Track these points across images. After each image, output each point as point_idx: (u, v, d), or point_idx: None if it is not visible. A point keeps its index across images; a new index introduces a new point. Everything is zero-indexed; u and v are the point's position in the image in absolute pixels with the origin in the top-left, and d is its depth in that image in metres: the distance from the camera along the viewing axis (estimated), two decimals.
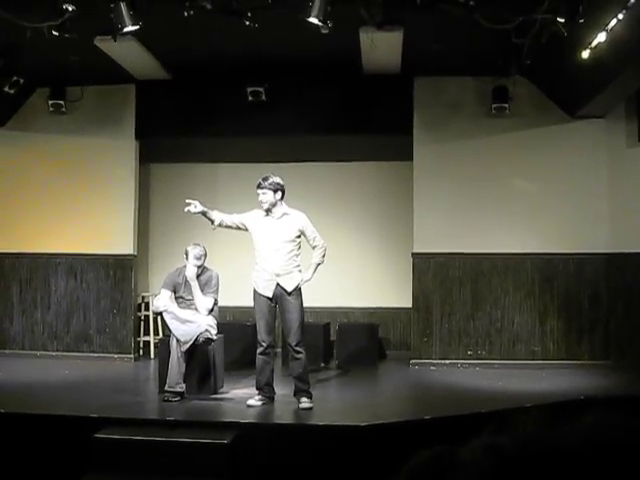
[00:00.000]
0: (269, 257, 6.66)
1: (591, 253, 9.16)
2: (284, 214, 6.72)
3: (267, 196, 6.64)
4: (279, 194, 6.68)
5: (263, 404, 6.68)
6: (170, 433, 5.82)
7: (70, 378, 8.25)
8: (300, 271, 6.74)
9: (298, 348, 6.64)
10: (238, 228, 6.90)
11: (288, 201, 6.84)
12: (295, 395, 6.70)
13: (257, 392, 6.76)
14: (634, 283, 8.82)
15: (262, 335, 6.69)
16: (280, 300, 6.67)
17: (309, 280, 6.78)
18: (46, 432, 5.99)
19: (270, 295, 6.65)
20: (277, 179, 6.71)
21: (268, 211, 6.69)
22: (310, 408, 6.56)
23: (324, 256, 6.84)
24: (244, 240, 7.06)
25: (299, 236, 6.75)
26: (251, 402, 6.66)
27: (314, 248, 6.83)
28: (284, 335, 6.92)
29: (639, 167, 8.81)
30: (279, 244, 6.65)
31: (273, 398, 6.83)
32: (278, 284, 6.63)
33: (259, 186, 6.66)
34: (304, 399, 6.61)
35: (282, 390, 7.00)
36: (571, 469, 0.84)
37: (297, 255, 6.75)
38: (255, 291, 6.75)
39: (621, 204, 8.99)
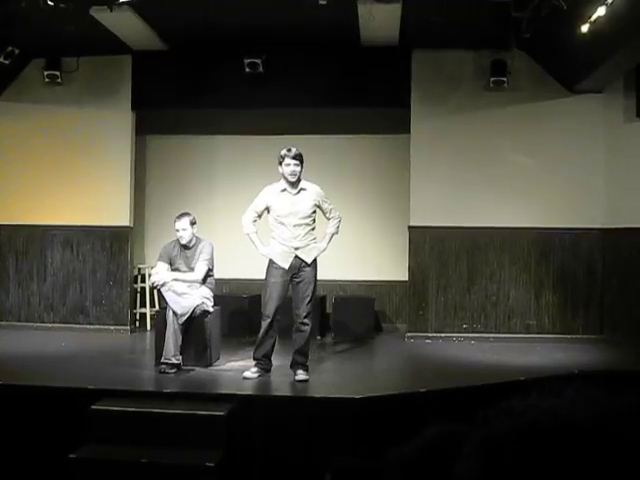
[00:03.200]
0: (288, 232, 6.64)
1: (587, 228, 9.17)
2: (301, 189, 6.71)
3: (299, 167, 6.64)
4: (303, 166, 6.69)
5: (259, 376, 6.70)
6: (166, 405, 5.85)
7: (66, 350, 8.27)
8: (316, 242, 6.77)
9: (306, 320, 6.66)
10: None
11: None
12: (292, 367, 6.73)
13: (253, 364, 6.77)
14: (629, 258, 8.84)
15: (270, 307, 6.65)
16: (297, 271, 6.67)
17: (325, 249, 6.80)
18: (43, 404, 6.01)
19: (287, 267, 6.64)
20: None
21: (292, 184, 6.66)
22: (306, 380, 6.59)
23: (339, 227, 6.87)
24: (243, 212, 6.96)
25: (315, 211, 6.77)
26: (247, 374, 6.68)
27: (329, 219, 6.86)
28: (293, 306, 6.78)
29: (636, 142, 8.78)
30: (298, 219, 6.66)
31: (269, 370, 6.84)
32: (297, 256, 6.64)
33: (295, 157, 6.61)
34: (300, 371, 6.64)
35: (278, 362, 7.03)
36: (574, 448, 0.84)
37: (314, 228, 6.78)
38: (271, 262, 6.71)
39: (618, 179, 8.98)
